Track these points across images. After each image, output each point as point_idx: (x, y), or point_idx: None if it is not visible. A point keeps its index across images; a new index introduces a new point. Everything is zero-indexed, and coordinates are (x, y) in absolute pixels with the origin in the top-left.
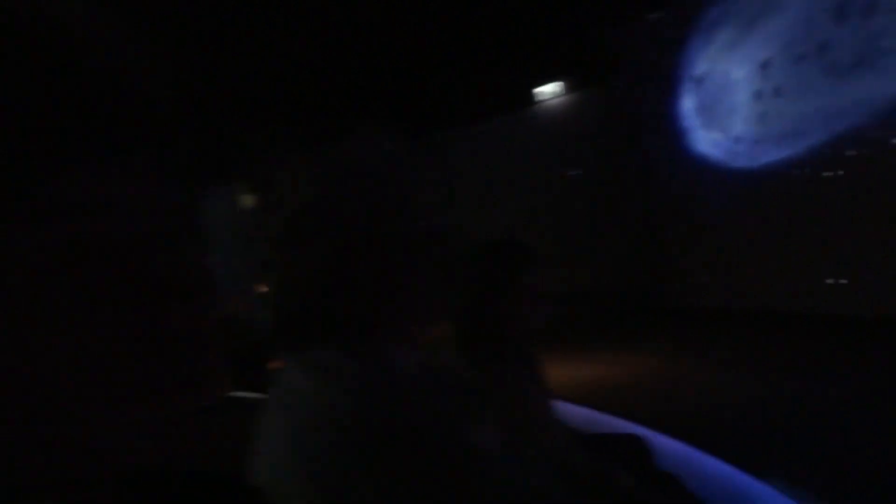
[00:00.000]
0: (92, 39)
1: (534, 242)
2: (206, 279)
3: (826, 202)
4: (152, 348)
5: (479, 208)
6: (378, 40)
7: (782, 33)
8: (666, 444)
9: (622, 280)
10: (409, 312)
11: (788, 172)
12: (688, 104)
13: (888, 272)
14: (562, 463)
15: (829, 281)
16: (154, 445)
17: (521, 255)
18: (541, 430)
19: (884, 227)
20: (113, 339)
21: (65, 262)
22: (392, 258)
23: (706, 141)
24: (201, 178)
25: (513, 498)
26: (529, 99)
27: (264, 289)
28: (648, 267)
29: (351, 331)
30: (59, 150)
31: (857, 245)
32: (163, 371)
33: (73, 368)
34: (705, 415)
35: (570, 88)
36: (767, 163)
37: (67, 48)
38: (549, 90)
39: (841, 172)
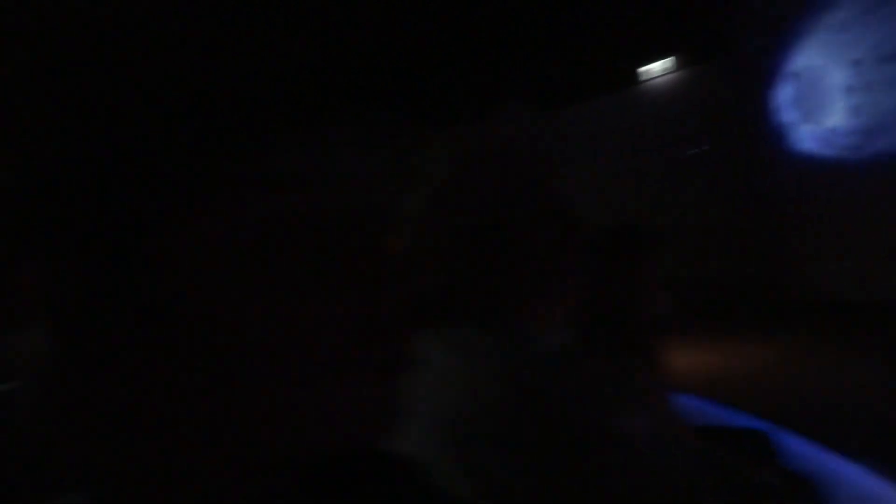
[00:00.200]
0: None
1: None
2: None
3: None
4: (365, 323)
5: (584, 191)
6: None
7: None
8: (793, 442)
9: (742, 267)
10: (549, 293)
11: None
12: (807, 83)
13: None
14: (691, 454)
15: None
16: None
17: (645, 240)
18: (665, 420)
19: None
20: (329, 314)
21: (283, 234)
22: (533, 236)
23: (829, 123)
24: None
25: (660, 485)
26: (634, 77)
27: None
28: (769, 254)
29: (491, 309)
30: (287, 121)
31: None
32: (373, 347)
33: (293, 343)
34: (836, 411)
35: (680, 65)
36: None
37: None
38: (657, 67)
39: None
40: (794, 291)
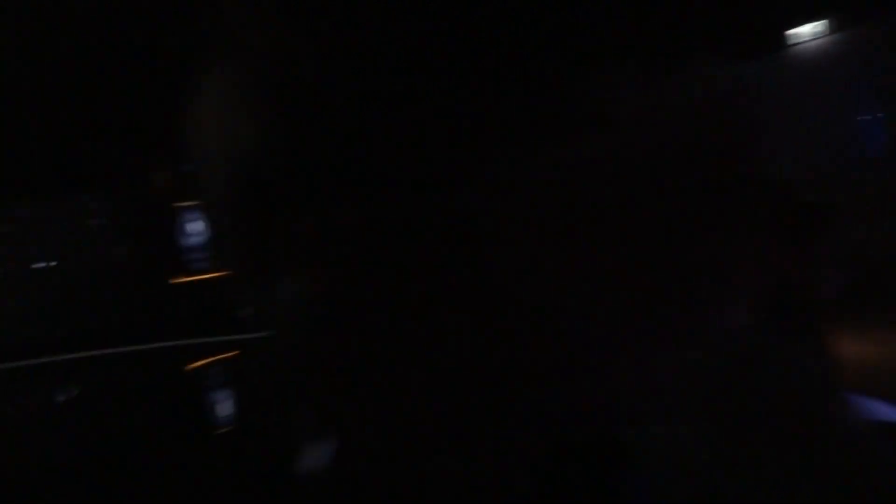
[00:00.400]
0: None
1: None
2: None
3: None
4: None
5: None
6: None
7: None
8: None
9: None
10: (752, 272)
11: None
12: None
13: None
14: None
15: None
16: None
17: (821, 215)
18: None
19: None
20: (644, 272)
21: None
22: (742, 207)
23: None
24: None
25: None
26: (782, 41)
27: None
28: None
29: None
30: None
31: None
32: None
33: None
34: None
35: (835, 28)
36: None
37: None
38: (808, 30)
39: None
40: None
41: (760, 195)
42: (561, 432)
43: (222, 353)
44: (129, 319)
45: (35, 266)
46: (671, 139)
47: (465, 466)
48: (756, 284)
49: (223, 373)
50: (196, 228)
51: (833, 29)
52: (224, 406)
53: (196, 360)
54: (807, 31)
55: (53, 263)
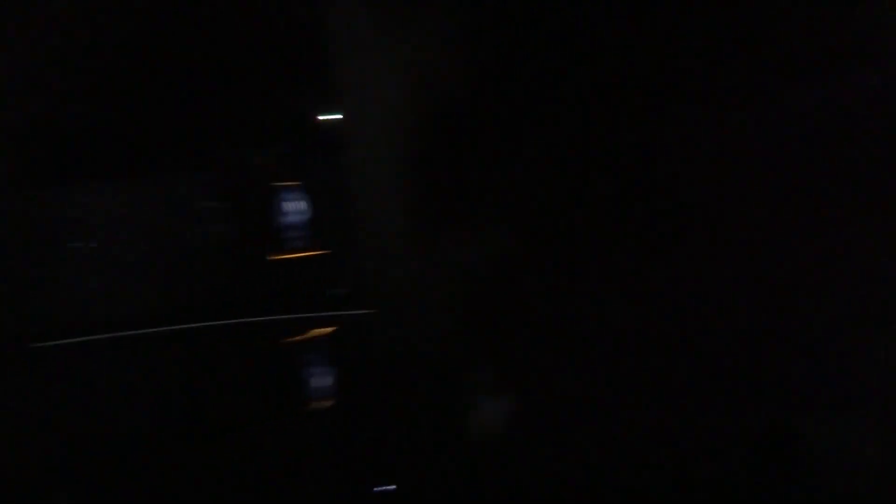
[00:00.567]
0: None
1: None
2: None
3: None
4: None
5: None
6: None
7: None
8: None
9: None
10: None
11: None
12: None
13: None
14: None
15: None
16: None
17: None
18: None
19: None
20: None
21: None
22: None
23: None
24: None
25: None
26: None
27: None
28: None
29: None
30: None
31: None
32: None
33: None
34: None
35: None
36: None
37: None
38: None
39: None
40: None
41: None
42: (759, 415)
43: (320, 329)
44: (231, 294)
45: (141, 241)
46: None
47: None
48: None
49: (320, 348)
50: (295, 207)
51: None
52: (322, 381)
53: (294, 335)
54: None
55: (159, 239)
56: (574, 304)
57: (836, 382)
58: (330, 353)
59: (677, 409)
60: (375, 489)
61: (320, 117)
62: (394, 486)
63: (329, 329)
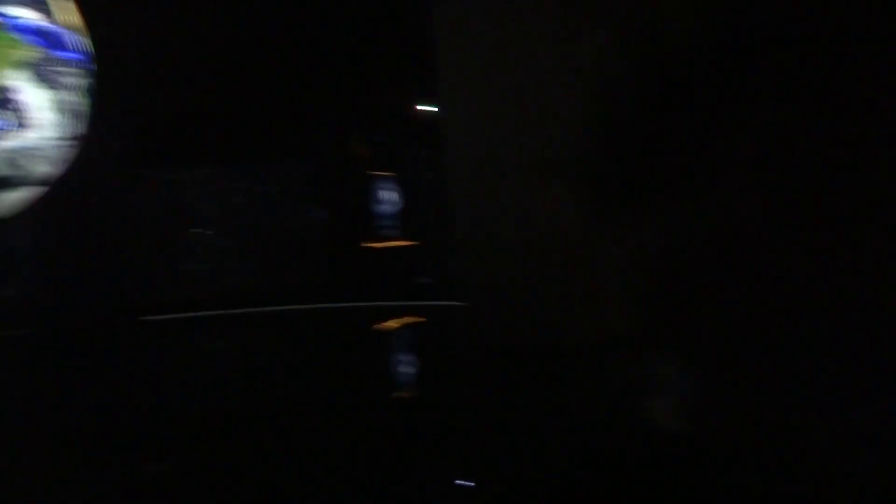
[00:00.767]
0: None
1: None
2: None
3: None
4: None
5: None
6: None
7: None
8: None
9: None
10: None
11: None
12: None
13: None
14: None
15: None
16: None
17: None
18: None
19: None
20: None
21: None
22: None
23: None
24: None
25: None
26: None
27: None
28: None
29: None
30: None
31: None
32: None
33: None
34: None
35: None
36: None
37: None
38: None
39: None
40: None
41: None
42: None
43: (408, 317)
44: (325, 279)
45: (243, 226)
46: None
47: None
48: None
49: (408, 336)
50: (390, 197)
51: None
52: (406, 370)
53: (383, 322)
54: None
55: (259, 224)
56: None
57: None
58: (416, 342)
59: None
60: (457, 482)
61: (417, 109)
62: (472, 483)
63: (417, 318)
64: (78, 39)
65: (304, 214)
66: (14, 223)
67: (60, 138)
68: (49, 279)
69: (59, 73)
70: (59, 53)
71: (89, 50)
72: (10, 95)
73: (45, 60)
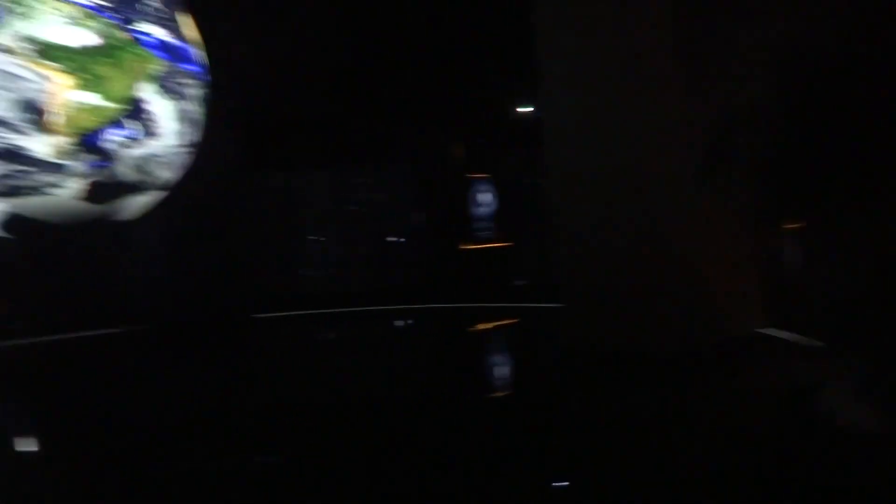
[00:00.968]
0: None
1: None
2: None
3: None
4: None
5: None
6: None
7: None
8: None
9: None
10: None
11: None
12: None
13: None
14: None
15: None
16: None
17: None
18: None
19: None
20: None
21: None
22: None
23: None
24: None
25: None
26: None
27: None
28: None
29: None
30: None
31: None
32: None
33: None
34: None
35: None
36: None
37: None
38: None
39: None
40: None
41: None
42: None
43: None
44: (424, 280)
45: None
46: None
47: None
48: None
49: (505, 338)
50: (486, 199)
51: None
52: (502, 371)
53: (478, 324)
54: None
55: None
56: None
57: None
58: (514, 343)
59: None
60: (554, 484)
61: (515, 111)
62: (566, 483)
63: (513, 320)
64: (197, 53)
65: (405, 217)
66: (140, 226)
67: (181, 145)
68: (170, 279)
69: (182, 84)
70: (182, 66)
71: (206, 62)
72: (141, 106)
73: (170, 73)
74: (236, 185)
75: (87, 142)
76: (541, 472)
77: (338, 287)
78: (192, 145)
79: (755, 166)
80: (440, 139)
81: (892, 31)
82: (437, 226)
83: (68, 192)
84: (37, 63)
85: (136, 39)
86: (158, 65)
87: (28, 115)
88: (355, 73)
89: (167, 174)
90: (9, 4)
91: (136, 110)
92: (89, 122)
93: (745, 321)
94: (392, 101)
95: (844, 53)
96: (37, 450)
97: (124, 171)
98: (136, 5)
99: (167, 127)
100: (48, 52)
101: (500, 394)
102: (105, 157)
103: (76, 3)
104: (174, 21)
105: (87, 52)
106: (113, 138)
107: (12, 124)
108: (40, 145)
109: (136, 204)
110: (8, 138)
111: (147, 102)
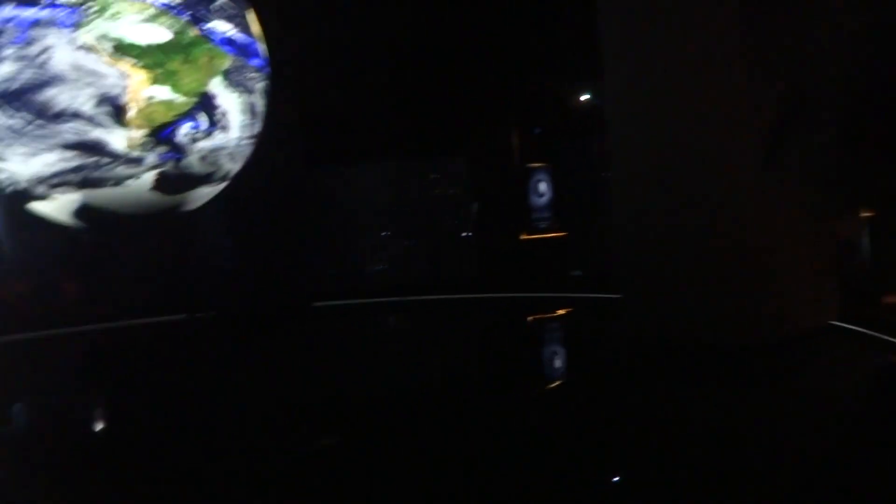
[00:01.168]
0: None
1: None
2: None
3: None
4: None
5: None
6: None
7: None
8: None
9: None
10: None
11: None
12: None
13: None
14: None
15: None
16: None
17: None
18: None
19: None
20: None
21: None
22: None
23: None
24: None
25: None
26: None
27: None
28: None
29: None
30: None
31: None
32: None
33: None
34: None
35: None
36: None
37: None
38: None
39: None
40: None
41: None
42: None
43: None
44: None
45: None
46: None
47: None
48: None
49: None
50: (543, 190)
51: None
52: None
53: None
54: None
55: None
56: None
57: None
58: (571, 334)
59: None
60: (613, 479)
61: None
62: (618, 478)
63: (569, 310)
64: (261, 47)
65: (464, 208)
66: (205, 216)
67: (245, 137)
68: (235, 268)
69: (247, 78)
70: (248, 61)
71: (269, 56)
72: (211, 100)
73: (237, 68)
74: (298, 178)
75: (161, 135)
76: (600, 465)
77: (397, 277)
78: (255, 137)
79: (825, 154)
80: (499, 130)
81: None
82: (495, 216)
83: (141, 183)
84: (115, 59)
85: (206, 36)
86: (227, 59)
87: (106, 110)
88: (416, 64)
89: (231, 165)
90: (89, 3)
91: (205, 104)
92: (163, 115)
93: (816, 314)
94: (452, 93)
95: None
96: (106, 431)
97: (194, 163)
98: (206, 2)
99: (234, 120)
100: (125, 49)
101: (557, 384)
102: (176, 149)
103: (150, 2)
104: (241, 17)
105: (161, 48)
106: (184, 131)
107: (92, 118)
108: (117, 138)
109: (203, 195)
110: (87, 131)
111: (216, 96)
